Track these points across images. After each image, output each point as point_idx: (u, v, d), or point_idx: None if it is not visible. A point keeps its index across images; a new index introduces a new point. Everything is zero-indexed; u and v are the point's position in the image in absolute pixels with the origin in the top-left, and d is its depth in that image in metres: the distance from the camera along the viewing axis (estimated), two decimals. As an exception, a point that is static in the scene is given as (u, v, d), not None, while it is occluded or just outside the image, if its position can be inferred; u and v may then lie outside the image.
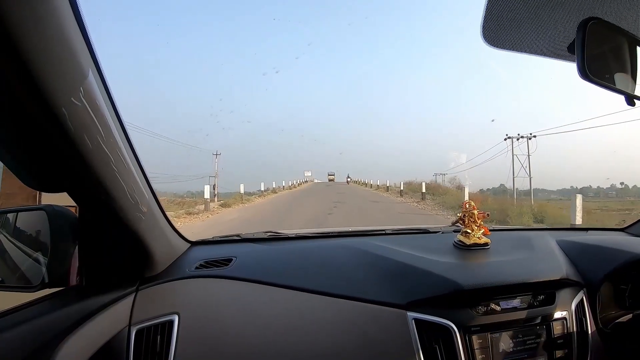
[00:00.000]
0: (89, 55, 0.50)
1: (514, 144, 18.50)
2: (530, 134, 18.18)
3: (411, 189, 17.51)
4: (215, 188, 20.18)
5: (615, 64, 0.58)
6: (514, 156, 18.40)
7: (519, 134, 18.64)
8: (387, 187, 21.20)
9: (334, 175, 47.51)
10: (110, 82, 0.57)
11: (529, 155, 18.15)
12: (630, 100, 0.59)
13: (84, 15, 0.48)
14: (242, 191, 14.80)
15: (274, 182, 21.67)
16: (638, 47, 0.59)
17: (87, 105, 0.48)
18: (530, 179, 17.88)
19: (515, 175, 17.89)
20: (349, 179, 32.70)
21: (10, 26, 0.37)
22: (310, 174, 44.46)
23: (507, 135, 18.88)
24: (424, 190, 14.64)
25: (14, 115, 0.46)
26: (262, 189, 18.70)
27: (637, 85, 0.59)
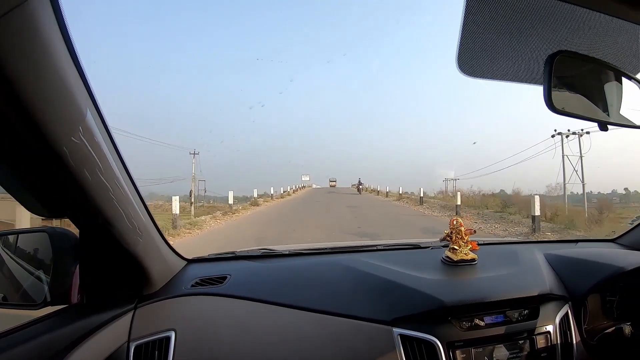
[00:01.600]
0: (87, 94, 0.54)
1: (563, 141, 14.61)
2: (582, 130, 14.25)
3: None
4: (192, 195, 17.96)
5: (585, 92, 0.60)
6: (564, 157, 14.59)
7: (569, 130, 14.69)
8: (400, 194, 18.36)
9: (335, 181, 43.49)
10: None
11: (581, 157, 14.32)
12: (603, 125, 0.61)
13: (79, 54, 0.52)
14: (230, 200, 11.82)
15: (271, 188, 17.62)
16: (608, 73, 0.61)
17: (86, 143, 0.52)
18: (583, 185, 14.25)
19: (566, 181, 14.42)
20: (360, 186, 24.50)
21: (11, 74, 0.40)
22: (308, 178, 40.37)
23: (555, 131, 14.69)
24: (458, 203, 10.85)
25: (18, 153, 0.50)
26: (255, 195, 15.45)
27: (608, 111, 0.61)
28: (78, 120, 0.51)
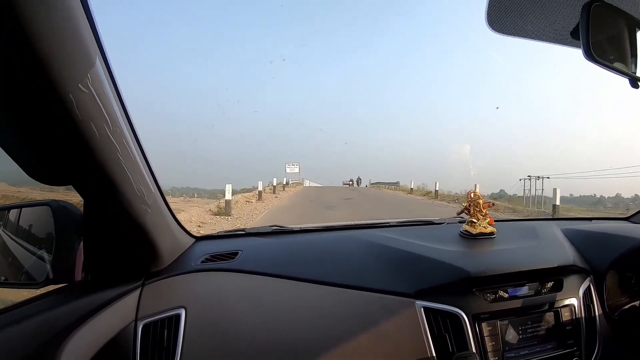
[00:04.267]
0: (96, 44, 0.50)
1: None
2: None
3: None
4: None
5: (618, 46, 0.59)
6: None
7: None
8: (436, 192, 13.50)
9: (352, 181, 32.24)
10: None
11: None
12: (635, 82, 0.60)
13: (91, 4, 0.48)
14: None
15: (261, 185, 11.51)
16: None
17: (95, 93, 0.48)
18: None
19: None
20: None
21: (20, 11, 0.37)
22: (297, 170, 25.64)
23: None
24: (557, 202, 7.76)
25: (20, 103, 0.45)
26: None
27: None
28: (86, 67, 0.47)
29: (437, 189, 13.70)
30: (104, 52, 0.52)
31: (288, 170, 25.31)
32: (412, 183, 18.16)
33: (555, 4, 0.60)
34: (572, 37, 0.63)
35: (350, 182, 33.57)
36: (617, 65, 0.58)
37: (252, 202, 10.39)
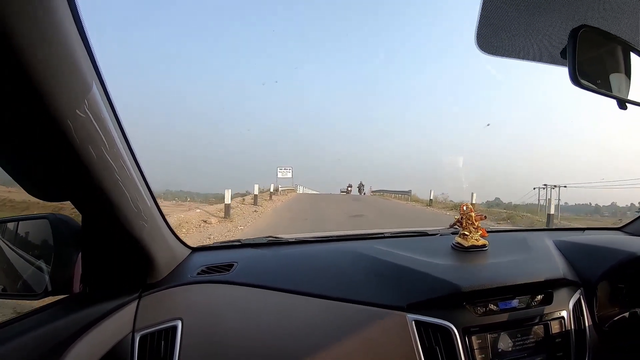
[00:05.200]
0: (92, 67, 0.51)
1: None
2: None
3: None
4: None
5: (606, 69, 0.60)
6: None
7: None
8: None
9: (351, 187, 29.04)
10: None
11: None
12: (622, 104, 0.61)
13: (86, 26, 0.49)
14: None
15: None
16: (629, 53, 0.61)
17: (91, 117, 0.49)
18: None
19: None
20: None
21: (16, 41, 0.38)
22: (289, 174, 24.05)
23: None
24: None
25: (19, 127, 0.47)
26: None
27: (628, 90, 0.61)
28: (84, 92, 0.48)
29: (473, 201, 10.11)
30: (100, 75, 0.53)
31: (280, 175, 23.66)
32: (432, 193, 14.15)
33: (544, 26, 0.61)
34: (562, 57, 0.64)
35: (348, 190, 28.89)
36: (604, 87, 0.59)
37: (212, 224, 7.19)
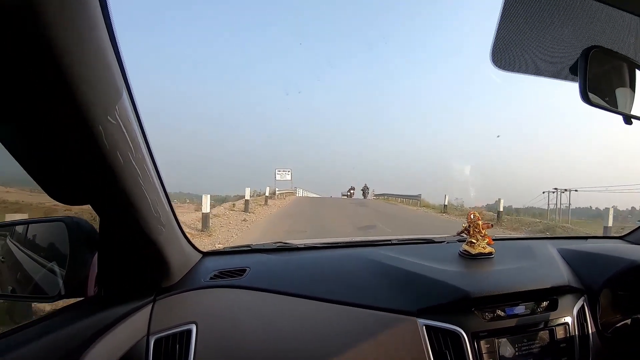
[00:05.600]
0: (121, 73, 0.52)
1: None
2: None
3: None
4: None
5: (614, 86, 0.63)
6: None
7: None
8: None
9: (353, 190, 27.18)
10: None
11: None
12: (628, 119, 0.63)
13: (117, 34, 0.50)
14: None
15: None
16: (635, 70, 0.64)
17: (121, 123, 0.50)
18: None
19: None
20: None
21: (56, 48, 0.38)
22: (288, 177, 22.88)
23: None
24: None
25: (52, 131, 0.47)
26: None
27: (634, 106, 0.64)
28: (115, 99, 0.49)
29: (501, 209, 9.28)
30: (127, 81, 0.54)
31: (278, 178, 22.50)
32: (447, 198, 12.73)
33: (556, 43, 0.64)
34: (571, 73, 0.67)
35: (350, 192, 26.96)
36: (611, 104, 0.62)
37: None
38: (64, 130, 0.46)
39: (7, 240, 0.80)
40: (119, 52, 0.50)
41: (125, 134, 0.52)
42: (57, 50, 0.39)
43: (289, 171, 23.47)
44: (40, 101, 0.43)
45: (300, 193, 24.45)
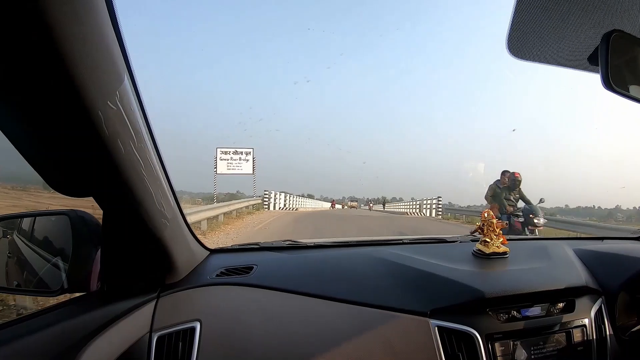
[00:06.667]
0: (124, 60, 0.50)
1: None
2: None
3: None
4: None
5: (636, 74, 0.60)
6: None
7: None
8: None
9: (356, 202, 29.45)
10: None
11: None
12: (651, 110, 0.60)
13: (120, 20, 0.49)
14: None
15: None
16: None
17: (122, 110, 0.49)
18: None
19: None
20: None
21: (54, 29, 0.37)
22: (247, 165, 14.01)
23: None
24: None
25: (50, 120, 0.46)
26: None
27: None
28: (116, 83, 0.47)
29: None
30: (130, 67, 0.53)
31: (225, 169, 13.10)
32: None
33: (574, 31, 0.61)
34: (590, 63, 0.64)
35: (370, 206, 24.70)
36: (634, 92, 0.59)
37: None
38: (60, 114, 0.45)
39: (14, 234, 0.80)
40: (121, 37, 0.48)
41: (127, 121, 0.50)
42: (53, 31, 0.37)
43: (249, 152, 13.52)
44: (36, 83, 0.41)
45: (281, 203, 14.02)
